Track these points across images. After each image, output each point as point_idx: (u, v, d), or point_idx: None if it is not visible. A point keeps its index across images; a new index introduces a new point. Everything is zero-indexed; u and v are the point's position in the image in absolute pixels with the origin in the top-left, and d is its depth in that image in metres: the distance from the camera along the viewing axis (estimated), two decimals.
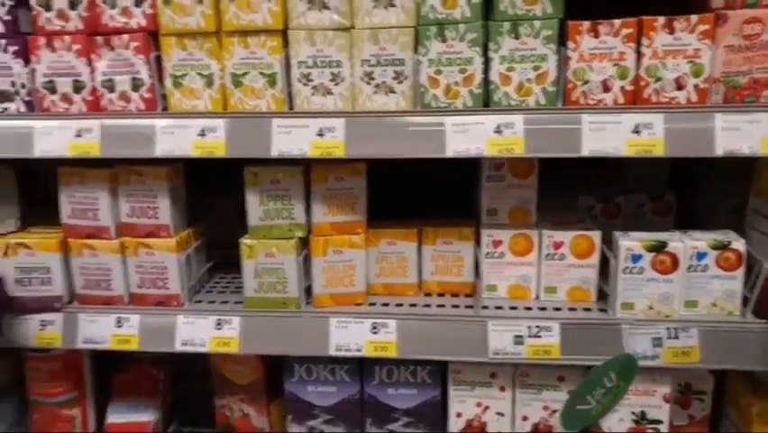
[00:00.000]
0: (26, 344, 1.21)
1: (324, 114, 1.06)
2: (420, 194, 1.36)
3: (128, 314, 1.20)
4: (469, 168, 1.26)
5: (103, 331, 1.20)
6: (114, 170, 1.18)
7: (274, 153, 1.06)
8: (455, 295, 1.24)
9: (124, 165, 1.17)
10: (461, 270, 1.23)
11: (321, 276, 1.18)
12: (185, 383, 1.48)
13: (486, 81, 1.04)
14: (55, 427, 1.36)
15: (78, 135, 1.10)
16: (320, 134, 1.05)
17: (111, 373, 1.45)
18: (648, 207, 1.37)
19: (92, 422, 1.42)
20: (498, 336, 1.12)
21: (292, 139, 1.06)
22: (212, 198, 1.36)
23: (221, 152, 1.07)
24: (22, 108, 1.14)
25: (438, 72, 1.04)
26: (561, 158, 1.02)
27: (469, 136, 1.02)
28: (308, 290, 1.20)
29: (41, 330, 1.21)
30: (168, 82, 1.10)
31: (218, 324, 1.18)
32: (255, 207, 1.16)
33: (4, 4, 1.08)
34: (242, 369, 1.31)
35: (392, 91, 1.07)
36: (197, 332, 1.18)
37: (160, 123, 1.08)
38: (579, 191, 1.36)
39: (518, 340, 1.11)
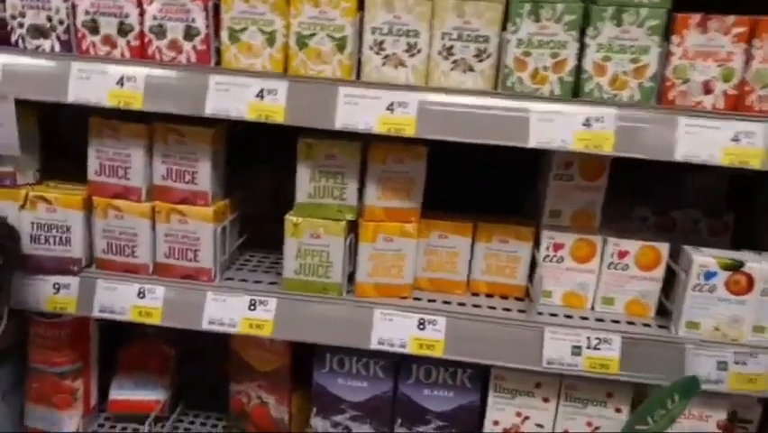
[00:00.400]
0: (37, 307, 1.11)
1: (397, 86, 0.97)
2: (462, 184, 1.27)
3: (153, 284, 1.09)
4: (517, 161, 1.17)
5: (123, 301, 1.09)
6: (152, 127, 1.07)
7: (338, 125, 0.96)
8: (504, 297, 1.16)
9: (163, 122, 1.06)
10: (515, 271, 1.15)
11: (367, 264, 1.09)
12: (196, 363, 1.38)
13: (578, 69, 0.95)
14: (54, 397, 1.26)
15: (120, 83, 0.99)
16: (390, 109, 0.96)
17: (117, 346, 1.35)
18: (704, 223, 1.30)
19: (94, 396, 1.32)
20: (555, 344, 1.04)
21: (359, 111, 0.96)
22: (245, 168, 1.26)
23: (279, 117, 0.97)
24: (58, 47, 1.02)
25: (527, 54, 0.96)
26: (648, 160, 0.94)
27: (554, 127, 0.94)
28: (350, 278, 1.11)
29: (54, 293, 1.10)
30: (224, 35, 1.00)
31: (252, 304, 1.08)
32: (305, 182, 1.06)
33: None
34: (267, 354, 1.22)
35: (471, 69, 0.98)
36: (228, 311, 1.08)
37: (214, 78, 0.97)
38: (633, 201, 1.29)
39: (576, 351, 1.04)
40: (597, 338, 1.04)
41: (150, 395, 1.33)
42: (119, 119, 1.06)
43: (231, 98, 0.97)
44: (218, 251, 1.11)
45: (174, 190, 1.08)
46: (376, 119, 0.96)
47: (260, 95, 0.97)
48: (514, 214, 1.20)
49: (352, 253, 1.09)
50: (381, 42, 0.98)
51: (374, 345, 1.06)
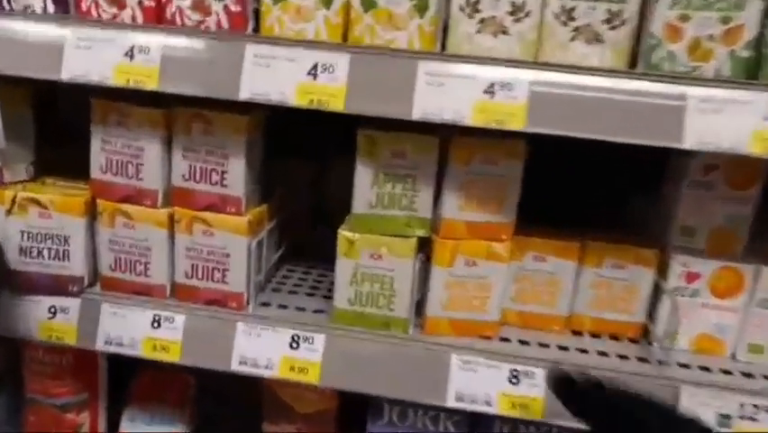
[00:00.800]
0: (28, 335, 0.89)
1: (499, 61, 0.71)
2: (551, 186, 1.01)
3: (171, 311, 0.87)
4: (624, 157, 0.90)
5: (133, 331, 0.87)
6: (171, 112, 0.83)
7: (416, 114, 0.71)
8: (614, 338, 0.91)
9: (185, 106, 0.83)
10: (631, 305, 0.89)
11: (442, 293, 0.84)
12: (220, 395, 1.16)
13: (760, 41, 0.68)
14: None
15: (129, 55, 0.75)
16: (489, 92, 0.70)
17: (128, 373, 1.13)
18: None
19: (103, 431, 1.11)
20: (694, 409, 0.78)
21: (446, 94, 0.71)
22: (277, 160, 1.01)
23: (337, 104, 0.72)
24: (51, 8, 0.79)
25: (684, 18, 0.69)
26: None
27: (722, 121, 0.67)
28: (419, 310, 0.87)
29: (49, 319, 0.88)
30: None
31: (294, 341, 0.84)
32: (366, 186, 0.82)
33: None
34: (309, 395, 0.99)
35: (599, 39, 0.72)
36: (263, 349, 0.85)
37: (252, 49, 0.73)
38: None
39: (724, 421, 0.78)
40: (754, 405, 0.77)
41: (167, 430, 1.12)
42: (128, 101, 0.83)
43: (273, 77, 0.73)
44: (252, 271, 0.87)
45: (198, 194, 0.85)
46: (470, 106, 0.70)
47: (313, 72, 0.72)
48: (618, 228, 0.94)
49: (423, 279, 0.85)
50: (476, 2, 0.72)
51: (452, 403, 0.81)
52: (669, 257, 0.86)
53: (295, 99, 0.72)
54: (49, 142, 0.96)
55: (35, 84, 0.87)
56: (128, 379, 1.11)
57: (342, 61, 0.72)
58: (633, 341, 0.90)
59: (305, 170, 1.11)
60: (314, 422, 1.00)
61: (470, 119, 0.70)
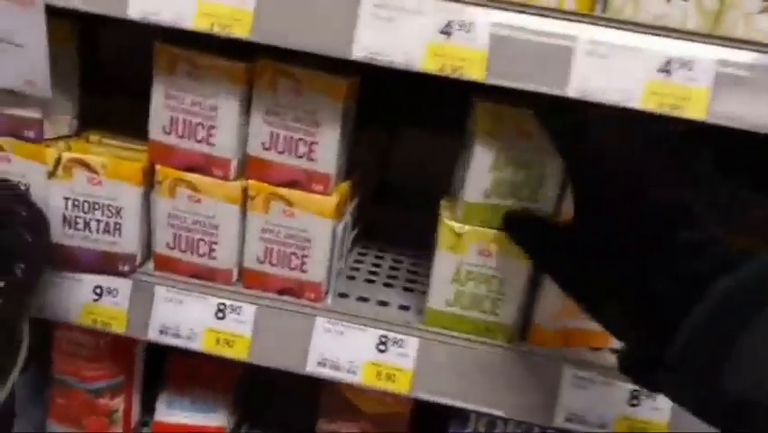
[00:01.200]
0: (67, 318, 0.77)
1: (676, 32, 0.58)
2: None
3: (239, 300, 0.75)
4: None
5: (193, 320, 0.75)
6: (254, 65, 0.69)
7: (572, 92, 0.58)
8: None
9: (270, 60, 0.69)
10: None
11: (553, 301, 0.73)
12: (269, 383, 1.05)
13: None
14: (86, 419, 0.94)
15: None
16: (665, 70, 0.58)
17: (165, 352, 1.02)
18: None
19: (136, 417, 1.01)
20: None
21: (608, 69, 0.58)
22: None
23: (476, 72, 0.58)
24: None
25: None
26: None
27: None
28: (526, 317, 0.76)
29: (94, 301, 0.76)
30: None
31: (382, 343, 0.73)
32: (482, 171, 0.69)
33: None
34: (378, 393, 0.89)
35: None
36: (346, 349, 0.73)
37: None
38: None
39: None
40: None
41: (208, 419, 1.00)
42: (198, 48, 0.69)
43: (395, 32, 0.59)
44: (335, 258, 0.76)
45: (280, 167, 0.72)
46: (642, 84, 0.57)
47: (447, 30, 0.59)
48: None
49: (533, 283, 0.73)
50: None
51: (563, 423, 0.71)
52: None
53: (423, 63, 0.59)
54: (91, 91, 0.82)
55: (80, 20, 0.73)
56: (162, 359, 1.00)
57: (481, 19, 0.59)
58: None
59: (369, 141, 0.99)
60: (382, 424, 0.90)
61: (639, 101, 0.58)
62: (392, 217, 0.99)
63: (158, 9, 0.61)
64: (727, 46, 0.57)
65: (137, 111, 0.74)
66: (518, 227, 0.66)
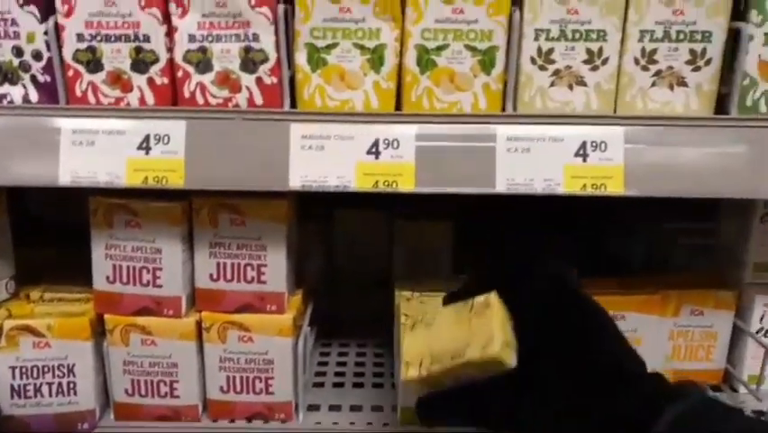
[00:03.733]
0: None
1: (586, 118, 0.63)
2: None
3: None
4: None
5: None
6: (191, 203, 0.70)
7: (499, 188, 0.62)
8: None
9: (205, 196, 0.70)
10: (710, 352, 0.83)
11: None
12: None
13: None
14: None
15: (144, 148, 0.61)
16: (581, 155, 0.62)
17: None
18: None
19: None
20: None
21: (532, 161, 0.62)
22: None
23: (408, 184, 0.61)
24: (35, 96, 0.64)
25: None
26: None
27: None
28: None
29: None
30: (300, 58, 0.64)
31: None
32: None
33: None
34: None
35: (682, 83, 0.65)
36: None
37: (298, 129, 0.61)
38: None
39: None
40: None
41: None
42: (123, 196, 0.69)
43: (327, 159, 0.61)
44: (299, 374, 0.75)
45: (231, 294, 0.72)
46: (561, 172, 0.61)
47: (374, 150, 0.62)
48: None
49: None
50: (549, 52, 0.64)
51: None
52: (747, 298, 0.81)
53: (356, 183, 0.61)
54: (20, 242, 0.80)
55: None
56: None
57: (406, 134, 0.62)
58: (716, 388, 0.84)
59: (310, 229, 1.00)
60: None
61: (563, 187, 0.61)
62: (343, 303, 0.98)
63: (91, 172, 0.61)
64: (633, 124, 0.63)
65: (67, 257, 0.73)
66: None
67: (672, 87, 0.66)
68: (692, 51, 0.65)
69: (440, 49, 0.64)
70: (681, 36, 0.64)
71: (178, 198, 0.70)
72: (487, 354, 0.50)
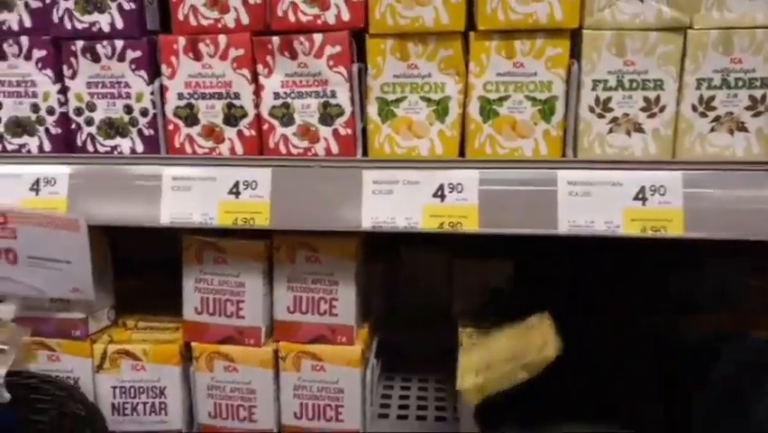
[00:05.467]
0: None
1: (644, 163, 0.66)
2: None
3: None
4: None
5: None
6: (272, 242, 0.77)
7: (561, 230, 0.65)
8: None
9: (284, 235, 0.76)
10: None
11: None
12: None
13: None
14: None
15: (234, 192, 0.69)
16: (641, 198, 0.64)
17: None
18: None
19: None
20: None
21: (590, 207, 0.65)
22: None
23: (471, 225, 0.66)
24: (140, 147, 0.73)
25: None
26: None
27: None
28: None
29: None
30: (371, 111, 0.70)
31: None
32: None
33: None
34: None
35: (741, 128, 0.67)
36: None
37: (370, 175, 0.67)
38: None
39: None
40: None
41: None
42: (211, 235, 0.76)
43: (396, 203, 0.67)
44: (367, 403, 0.79)
45: (306, 326, 0.78)
46: (621, 215, 0.64)
47: (440, 193, 0.67)
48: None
49: None
50: (607, 101, 0.67)
51: None
52: None
53: (423, 224, 0.66)
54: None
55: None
56: None
57: (470, 179, 0.66)
58: None
59: (378, 266, 1.05)
60: None
61: (622, 229, 0.64)
62: (407, 338, 1.02)
63: (186, 213, 0.69)
64: (691, 168, 0.65)
65: (151, 289, 0.83)
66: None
67: (731, 132, 0.68)
68: (752, 97, 0.66)
69: (502, 99, 0.69)
70: (740, 83, 0.66)
71: (260, 237, 0.77)
72: (543, 355, 0.58)
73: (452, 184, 0.66)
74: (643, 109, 0.67)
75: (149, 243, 0.88)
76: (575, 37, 0.67)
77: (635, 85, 0.67)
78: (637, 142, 0.68)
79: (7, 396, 0.70)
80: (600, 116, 0.68)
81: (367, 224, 0.67)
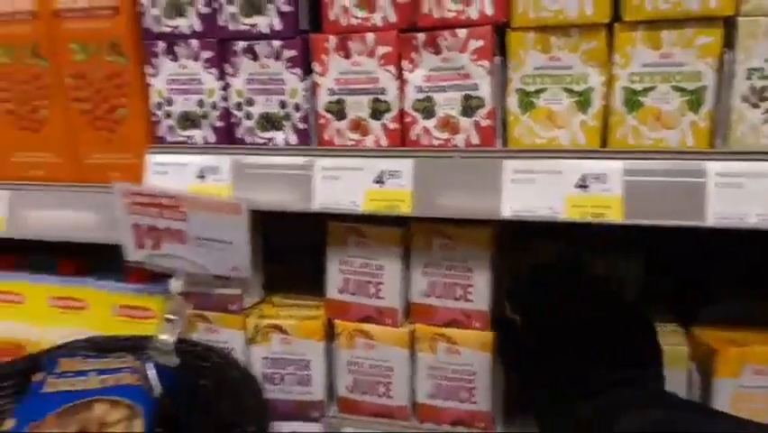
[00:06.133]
0: None
1: None
2: None
3: None
4: None
5: None
6: (409, 230, 0.81)
7: (709, 222, 0.64)
8: None
9: (420, 223, 0.80)
10: None
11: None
12: None
13: None
14: None
15: (379, 181, 0.74)
16: None
17: None
18: None
19: None
20: None
21: (739, 200, 0.63)
22: None
23: (616, 215, 0.66)
24: (293, 139, 0.80)
25: None
26: None
27: None
28: None
29: None
30: (511, 102, 0.72)
31: None
32: None
33: None
34: None
35: None
36: None
37: (511, 165, 0.69)
38: None
39: None
40: None
41: None
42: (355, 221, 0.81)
43: (537, 192, 0.69)
44: (498, 386, 0.82)
45: (441, 310, 0.81)
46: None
47: (583, 184, 0.68)
48: None
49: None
50: (762, 90, 0.65)
51: None
52: None
53: (565, 214, 0.67)
54: None
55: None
56: None
57: (614, 170, 0.67)
58: None
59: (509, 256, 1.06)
60: None
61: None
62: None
63: (336, 200, 0.75)
64: None
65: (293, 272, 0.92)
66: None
67: None
68: None
69: (647, 90, 0.68)
70: None
71: (398, 225, 0.81)
72: None
73: (595, 174, 0.67)
74: None
75: (290, 229, 0.95)
76: (726, 25, 0.65)
77: None
78: None
79: (177, 360, 0.79)
80: (755, 106, 0.66)
81: (506, 213, 0.69)
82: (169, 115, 0.82)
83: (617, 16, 0.68)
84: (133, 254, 0.84)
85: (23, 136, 0.88)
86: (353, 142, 0.77)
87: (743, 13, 0.64)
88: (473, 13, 0.71)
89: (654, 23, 0.67)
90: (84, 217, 0.85)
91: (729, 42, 0.65)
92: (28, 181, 0.88)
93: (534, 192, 0.69)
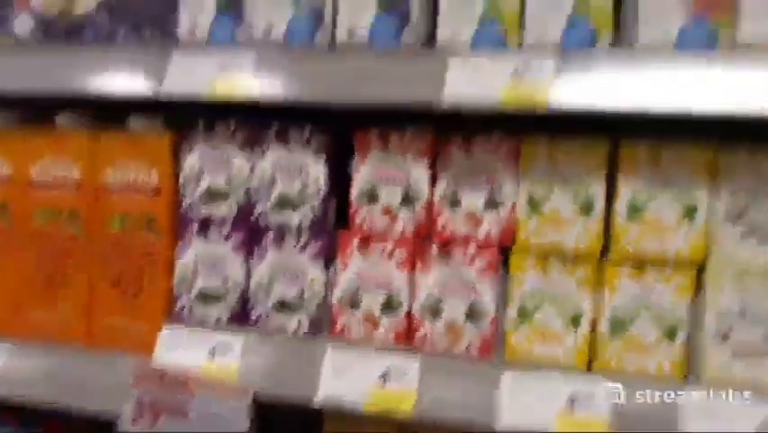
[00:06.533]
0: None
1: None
2: None
3: None
4: None
5: None
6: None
7: None
8: None
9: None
10: None
11: None
12: None
13: None
14: None
15: (383, 378, 0.79)
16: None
17: None
18: None
19: None
20: None
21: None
22: None
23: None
24: (306, 326, 0.85)
25: None
26: None
27: None
28: None
29: None
30: (510, 314, 0.80)
31: None
32: None
33: (318, 192, 0.84)
34: None
35: None
36: None
37: (507, 377, 0.76)
38: None
39: None
40: None
41: None
42: None
43: (530, 405, 0.74)
44: None
45: None
46: None
47: (571, 404, 0.74)
48: None
49: None
50: (727, 332, 0.75)
51: None
52: None
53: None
54: None
55: None
56: None
57: (599, 391, 0.74)
58: None
59: None
60: None
61: None
62: None
63: (341, 394, 0.79)
64: None
65: None
66: None
67: None
68: None
69: (631, 320, 0.77)
70: None
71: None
72: None
73: (578, 395, 0.74)
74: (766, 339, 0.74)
75: None
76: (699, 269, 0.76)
77: (754, 320, 0.74)
78: (757, 372, 0.74)
79: None
80: (721, 342, 0.75)
81: (503, 425, 0.74)
82: (189, 292, 0.88)
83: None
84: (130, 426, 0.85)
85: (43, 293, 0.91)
86: (362, 336, 0.83)
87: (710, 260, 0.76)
88: (481, 234, 0.81)
89: (638, 262, 0.77)
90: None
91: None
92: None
93: (529, 404, 0.74)
